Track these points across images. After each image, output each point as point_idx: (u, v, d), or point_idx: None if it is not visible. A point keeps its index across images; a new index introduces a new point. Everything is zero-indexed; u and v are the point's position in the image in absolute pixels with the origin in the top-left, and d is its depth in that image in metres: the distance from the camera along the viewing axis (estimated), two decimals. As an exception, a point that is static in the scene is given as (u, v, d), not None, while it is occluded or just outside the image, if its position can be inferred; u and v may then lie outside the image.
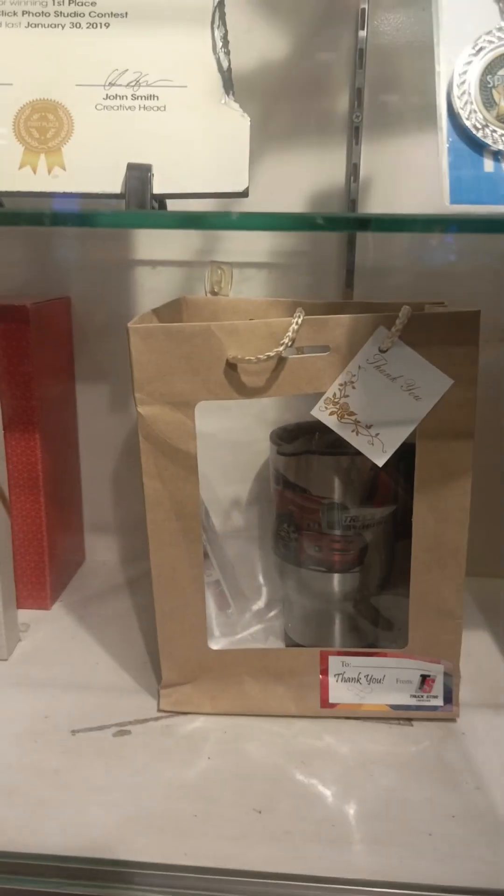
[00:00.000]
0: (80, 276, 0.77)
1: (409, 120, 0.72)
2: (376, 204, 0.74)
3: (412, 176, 0.72)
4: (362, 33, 0.70)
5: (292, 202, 0.74)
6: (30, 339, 0.65)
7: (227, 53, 0.47)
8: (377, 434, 0.50)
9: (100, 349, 0.79)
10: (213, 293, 0.76)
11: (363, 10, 0.69)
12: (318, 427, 0.52)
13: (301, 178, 0.74)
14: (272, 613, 0.66)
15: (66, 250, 0.77)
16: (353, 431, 0.51)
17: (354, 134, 0.72)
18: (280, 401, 0.69)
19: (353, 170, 0.72)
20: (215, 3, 0.47)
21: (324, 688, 0.57)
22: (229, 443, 0.71)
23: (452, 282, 0.74)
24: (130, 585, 0.78)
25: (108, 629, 0.69)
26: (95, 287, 0.78)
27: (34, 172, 0.45)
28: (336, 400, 0.50)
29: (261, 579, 0.68)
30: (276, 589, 0.67)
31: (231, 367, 0.49)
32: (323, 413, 0.51)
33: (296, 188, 0.74)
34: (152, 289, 0.78)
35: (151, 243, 0.77)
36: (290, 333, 0.47)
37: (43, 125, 0.46)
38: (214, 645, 0.58)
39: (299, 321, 0.48)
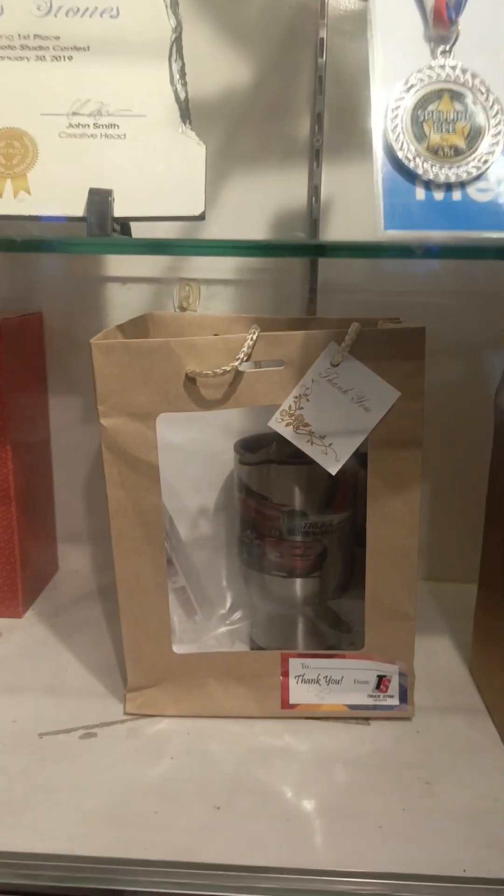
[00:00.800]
0: (52, 292, 0.80)
1: (367, 143, 0.75)
2: (337, 224, 0.77)
3: (371, 197, 0.75)
4: (321, 60, 0.73)
5: (256, 223, 0.77)
6: (0, 354, 0.67)
7: (185, 85, 0.50)
8: (330, 444, 0.52)
9: (72, 363, 0.81)
10: (182, 309, 0.79)
11: (322, 38, 0.72)
12: (279, 437, 0.54)
13: (265, 200, 0.76)
14: (237, 617, 0.68)
15: (39, 266, 0.79)
16: (307, 441, 0.53)
17: (315, 157, 0.75)
18: (245, 412, 0.71)
19: (314, 191, 0.75)
20: (173, 38, 0.49)
21: (284, 689, 0.59)
22: (196, 453, 0.73)
23: (412, 298, 0.77)
24: (102, 593, 0.80)
25: (79, 636, 0.71)
26: (67, 302, 0.80)
27: (1, 197, 0.48)
28: (291, 412, 0.52)
29: (226, 585, 0.70)
30: (241, 594, 0.69)
31: (190, 380, 0.51)
32: (279, 424, 0.53)
33: (259, 209, 0.77)
34: (123, 304, 0.80)
35: (122, 261, 0.80)
36: (245, 349, 0.50)
37: (9, 152, 0.48)
38: (181, 649, 0.59)
39: (254, 337, 0.50)
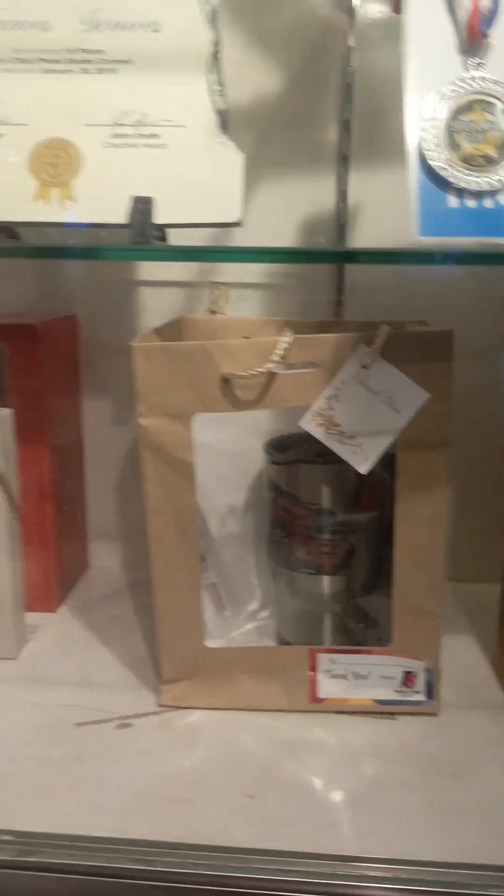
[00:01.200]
0: (87, 296, 0.82)
1: (395, 150, 0.76)
2: (365, 230, 0.78)
3: (399, 202, 0.77)
4: (350, 68, 0.74)
5: (285, 227, 0.78)
6: (39, 356, 0.69)
7: (223, 96, 0.52)
8: (360, 444, 0.54)
9: (104, 365, 0.83)
10: (213, 312, 0.81)
11: (350, 47, 0.74)
12: (308, 438, 0.56)
13: (293, 205, 0.78)
14: (265, 614, 0.70)
15: (74, 271, 0.82)
16: (338, 441, 0.54)
17: (343, 163, 0.76)
18: (274, 413, 0.73)
19: (342, 197, 0.77)
20: (212, 50, 0.51)
21: (313, 684, 0.61)
22: (226, 453, 0.75)
23: (437, 301, 0.78)
24: (132, 590, 0.82)
25: (111, 630, 0.73)
26: (101, 306, 0.82)
27: (47, 204, 0.50)
28: (322, 412, 0.54)
29: (255, 581, 0.71)
30: (270, 591, 0.70)
31: (225, 382, 0.53)
32: (310, 424, 0.55)
33: (288, 214, 0.78)
34: (155, 308, 0.82)
35: (154, 265, 0.82)
36: (279, 351, 0.51)
37: (55, 161, 0.50)
38: (211, 644, 0.61)
39: (288, 340, 0.52)
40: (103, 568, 0.88)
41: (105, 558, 0.88)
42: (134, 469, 0.88)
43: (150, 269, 0.82)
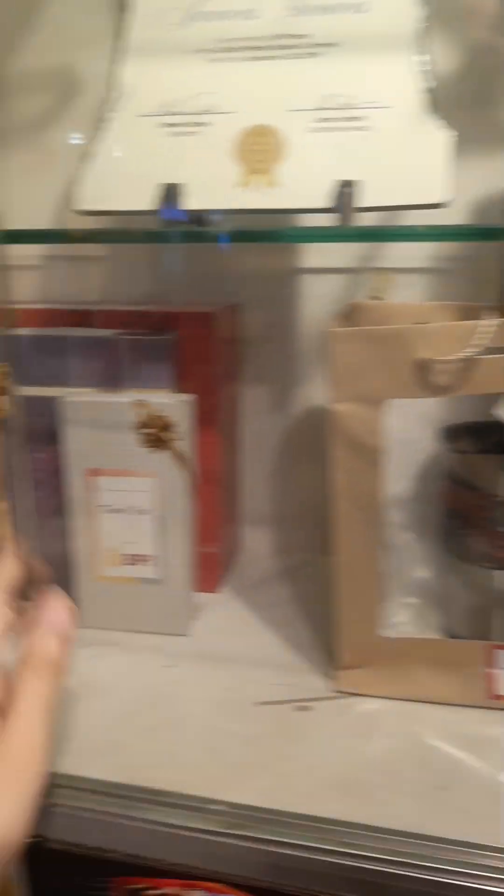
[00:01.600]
0: (248, 284, 0.83)
1: None
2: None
3: None
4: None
5: (458, 208, 0.76)
6: (213, 343, 0.70)
7: (431, 75, 0.50)
8: None
9: (262, 352, 0.84)
10: (376, 298, 0.80)
11: (535, 21, 0.71)
12: (492, 426, 0.54)
13: (470, 184, 0.75)
14: (433, 607, 0.69)
15: (236, 259, 0.83)
16: (537, 431, 0.53)
17: (522, 142, 0.73)
18: (442, 401, 0.71)
19: (520, 177, 0.74)
20: (421, 28, 0.50)
21: (492, 680, 0.59)
22: (394, 441, 0.74)
23: None
24: (286, 575, 0.83)
25: (273, 613, 0.74)
26: (259, 294, 0.83)
27: (251, 190, 0.50)
28: (522, 400, 0.52)
29: (423, 573, 0.70)
30: (439, 583, 0.69)
31: (422, 367, 0.52)
32: (507, 412, 0.53)
33: (463, 194, 0.76)
34: (313, 295, 0.82)
35: (315, 251, 0.81)
36: (486, 335, 0.50)
37: (260, 147, 0.51)
38: (383, 633, 0.61)
39: (494, 324, 0.50)
40: (256, 552, 0.89)
41: (256, 543, 0.89)
42: (288, 457, 0.89)
43: (311, 256, 0.82)
